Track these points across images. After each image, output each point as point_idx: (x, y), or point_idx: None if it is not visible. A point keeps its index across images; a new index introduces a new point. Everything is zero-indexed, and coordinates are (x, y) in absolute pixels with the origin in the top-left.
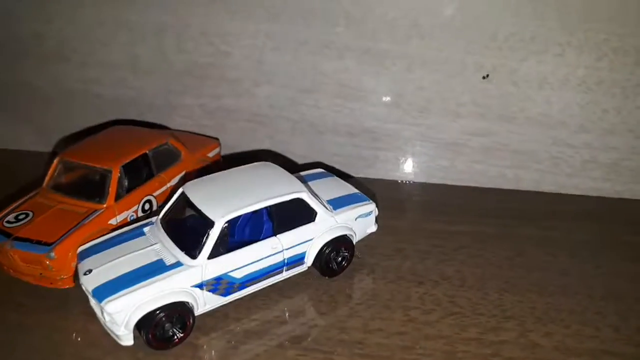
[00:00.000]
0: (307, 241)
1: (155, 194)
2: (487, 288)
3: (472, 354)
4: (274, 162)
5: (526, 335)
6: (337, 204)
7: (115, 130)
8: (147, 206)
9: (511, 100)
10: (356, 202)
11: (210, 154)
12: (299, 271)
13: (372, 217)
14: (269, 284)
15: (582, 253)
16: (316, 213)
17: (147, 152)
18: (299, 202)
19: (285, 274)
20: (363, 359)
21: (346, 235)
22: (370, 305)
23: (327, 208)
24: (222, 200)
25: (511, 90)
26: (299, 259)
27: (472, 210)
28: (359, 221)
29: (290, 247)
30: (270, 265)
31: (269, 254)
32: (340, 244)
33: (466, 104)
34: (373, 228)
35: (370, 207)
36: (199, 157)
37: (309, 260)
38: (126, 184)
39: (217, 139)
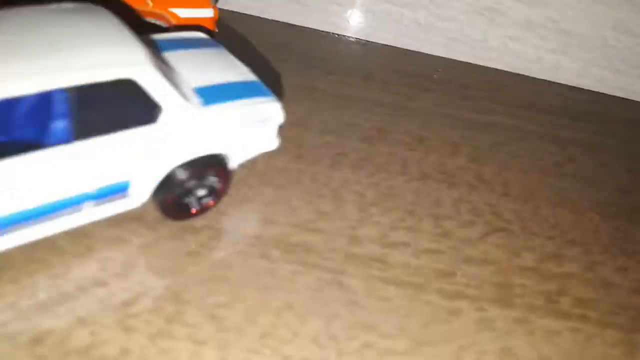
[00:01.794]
0: (133, 160)
1: None
2: (537, 199)
3: (531, 290)
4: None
5: (594, 268)
6: (214, 94)
7: None
8: None
9: None
10: (249, 96)
11: (188, 12)
12: (118, 210)
13: (272, 127)
14: (61, 229)
15: None
16: (160, 109)
17: None
18: (129, 86)
19: (87, 214)
20: (385, 285)
21: (219, 155)
22: (388, 209)
23: (187, 99)
24: None
25: None
26: (114, 191)
27: (505, 100)
28: (249, 130)
29: (97, 168)
30: (56, 202)
31: (52, 175)
32: (205, 169)
33: None
34: (271, 144)
35: (272, 107)
36: (159, 5)
37: (142, 192)
38: None
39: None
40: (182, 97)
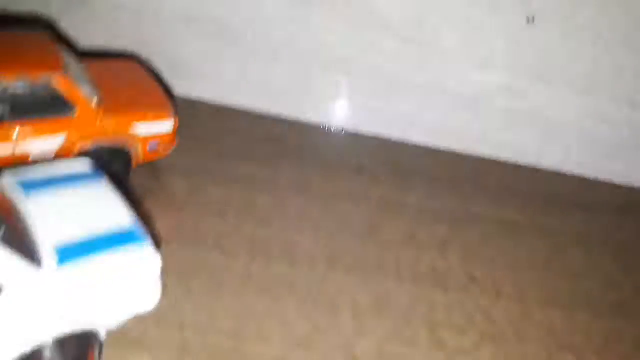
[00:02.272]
0: None
1: None
2: (529, 299)
3: None
4: None
5: None
6: (74, 251)
7: None
8: None
9: (554, 55)
10: (118, 245)
11: (150, 127)
12: None
13: (148, 278)
14: None
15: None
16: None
17: None
18: None
19: None
20: None
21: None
22: (384, 318)
23: (36, 263)
24: None
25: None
26: None
27: (490, 189)
28: (117, 288)
29: None
30: None
31: None
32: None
33: (496, 51)
34: (150, 301)
35: (143, 255)
36: (118, 126)
37: None
38: None
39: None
40: (29, 261)
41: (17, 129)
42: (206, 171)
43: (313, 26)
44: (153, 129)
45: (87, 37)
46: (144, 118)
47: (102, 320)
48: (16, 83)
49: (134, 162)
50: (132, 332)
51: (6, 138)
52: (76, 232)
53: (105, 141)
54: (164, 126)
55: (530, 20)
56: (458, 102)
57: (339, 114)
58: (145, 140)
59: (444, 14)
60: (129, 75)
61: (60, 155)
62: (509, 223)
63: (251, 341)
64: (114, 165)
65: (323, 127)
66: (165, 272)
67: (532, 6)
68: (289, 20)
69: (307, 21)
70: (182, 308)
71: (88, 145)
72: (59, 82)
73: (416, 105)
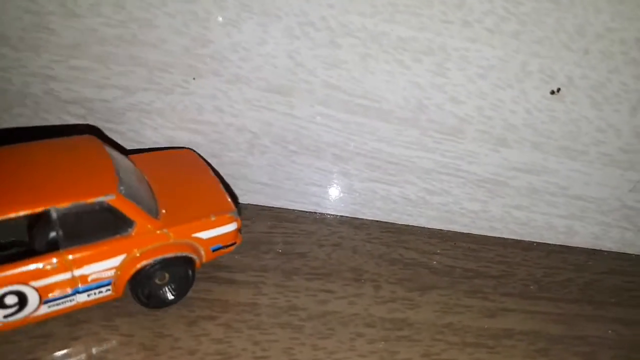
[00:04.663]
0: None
1: (37, 284)
2: None
3: None
4: None
5: None
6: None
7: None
8: (9, 301)
9: (584, 128)
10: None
11: (212, 232)
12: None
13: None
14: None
15: None
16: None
17: (51, 209)
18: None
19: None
20: None
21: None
22: None
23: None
24: None
25: (588, 114)
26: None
27: (515, 283)
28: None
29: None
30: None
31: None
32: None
33: (518, 127)
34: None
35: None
36: (179, 235)
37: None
38: None
39: (235, 202)
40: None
41: (72, 257)
42: None
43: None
44: (216, 232)
45: None
46: (207, 225)
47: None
48: (69, 210)
49: (197, 265)
50: None
51: (63, 268)
52: None
53: (168, 252)
54: (227, 229)
55: (556, 91)
56: (468, 184)
57: (333, 200)
58: (209, 242)
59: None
60: (186, 168)
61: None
62: (542, 336)
63: None
64: (178, 272)
65: (315, 213)
66: None
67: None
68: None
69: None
70: None
71: (150, 260)
72: (115, 203)
73: (420, 190)
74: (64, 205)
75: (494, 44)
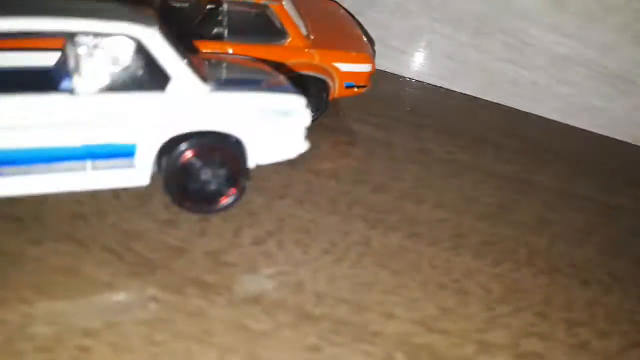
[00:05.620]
0: (139, 122)
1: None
2: None
3: None
4: None
5: None
6: (235, 84)
7: None
8: None
9: None
10: (272, 91)
11: (351, 66)
12: (126, 182)
13: (297, 124)
14: (63, 188)
15: None
16: (169, 76)
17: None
18: (136, 46)
19: (93, 177)
20: None
21: (229, 134)
22: (518, 309)
23: (198, 76)
24: None
25: None
26: (118, 153)
27: (635, 178)
28: (266, 121)
29: (101, 123)
30: (54, 147)
31: (52, 120)
32: (213, 149)
33: None
34: (297, 146)
35: (294, 100)
36: (322, 58)
37: (144, 162)
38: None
39: (372, 47)
40: (197, 76)
41: (232, 50)
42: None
43: None
44: (353, 68)
45: None
46: (347, 57)
47: (252, 142)
48: (237, 5)
49: (331, 95)
50: (250, 292)
51: None
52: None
53: (311, 70)
54: (363, 68)
55: None
56: (598, 77)
57: (460, 77)
58: (344, 76)
59: None
60: (333, 15)
61: None
62: None
63: (373, 314)
64: (314, 94)
65: (441, 88)
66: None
67: None
68: None
69: None
70: (300, 270)
71: (293, 72)
72: (277, 11)
73: (551, 77)
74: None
75: None
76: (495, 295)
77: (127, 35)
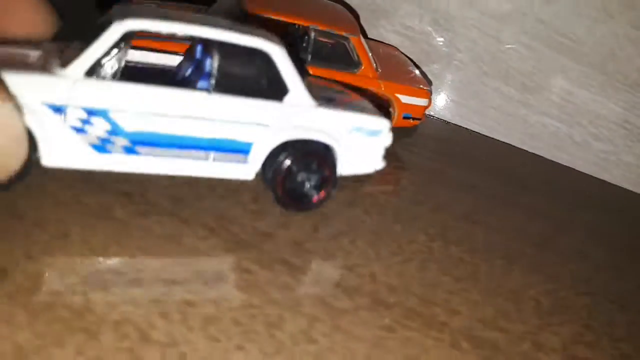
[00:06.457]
0: (259, 125)
1: None
2: None
3: None
4: None
5: None
6: (333, 103)
7: None
8: None
9: None
10: (362, 112)
11: (410, 99)
12: (236, 174)
13: (379, 143)
14: (185, 173)
15: None
16: (287, 89)
17: (311, 27)
18: (265, 59)
19: (212, 167)
20: None
21: (327, 144)
22: (565, 321)
23: (309, 92)
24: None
25: None
26: (237, 149)
27: None
28: (356, 138)
29: (229, 121)
30: (187, 136)
31: (188, 113)
32: (313, 156)
33: None
34: (377, 163)
35: (380, 123)
36: (387, 89)
37: (255, 160)
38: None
39: (429, 84)
40: (308, 92)
41: (311, 72)
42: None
43: None
44: (413, 101)
45: None
46: (409, 90)
47: (342, 154)
48: (322, 34)
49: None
50: (331, 276)
51: None
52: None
53: (377, 97)
54: (421, 102)
55: None
56: (632, 135)
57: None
58: (404, 107)
59: None
60: (396, 56)
61: None
62: None
63: (440, 309)
64: None
65: (485, 137)
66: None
67: None
68: None
69: None
70: (373, 265)
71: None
72: (355, 43)
73: (587, 133)
74: (322, 28)
75: None
76: (545, 307)
77: (260, 49)
